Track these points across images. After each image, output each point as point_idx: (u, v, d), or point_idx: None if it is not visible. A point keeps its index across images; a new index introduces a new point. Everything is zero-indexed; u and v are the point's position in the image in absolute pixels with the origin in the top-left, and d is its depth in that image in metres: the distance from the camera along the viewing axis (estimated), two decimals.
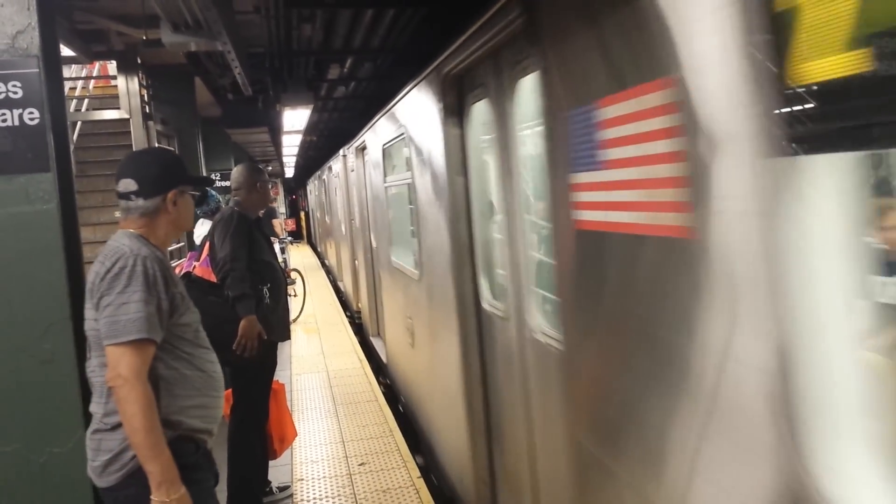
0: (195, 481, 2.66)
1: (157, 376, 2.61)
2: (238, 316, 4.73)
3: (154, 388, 2.55)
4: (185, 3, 4.31)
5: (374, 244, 9.27)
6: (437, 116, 4.41)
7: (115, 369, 2.48)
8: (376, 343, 9.70)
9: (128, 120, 8.03)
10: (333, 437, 6.44)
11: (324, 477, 5.59)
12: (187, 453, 2.68)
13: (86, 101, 11.19)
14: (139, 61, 7.98)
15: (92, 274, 2.62)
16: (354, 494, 5.23)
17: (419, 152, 5.22)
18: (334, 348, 10.14)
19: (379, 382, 8.20)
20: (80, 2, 6.34)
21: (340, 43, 7.78)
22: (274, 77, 9.13)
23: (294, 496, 5.26)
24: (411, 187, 5.58)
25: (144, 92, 8.10)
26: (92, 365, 2.66)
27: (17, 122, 3.02)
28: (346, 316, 11.92)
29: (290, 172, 33.39)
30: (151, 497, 2.49)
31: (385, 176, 7.09)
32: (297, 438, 6.09)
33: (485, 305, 4.20)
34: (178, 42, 5.04)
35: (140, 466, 2.51)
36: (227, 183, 7.66)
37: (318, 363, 9.31)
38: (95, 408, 2.65)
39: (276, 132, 15.28)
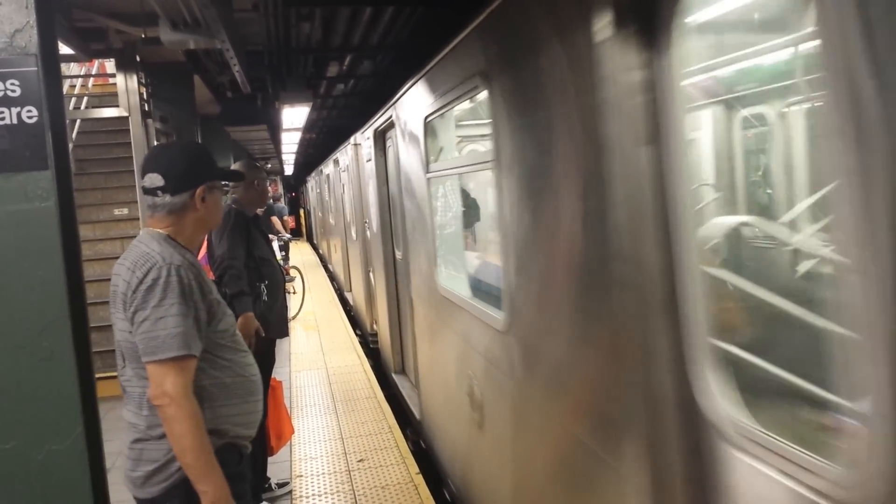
0: (238, 496, 2.60)
1: (200, 387, 2.53)
2: (236, 313, 4.70)
3: (197, 398, 2.48)
4: (184, 1, 4.31)
5: (398, 256, 7.58)
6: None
7: (160, 387, 2.40)
8: (400, 382, 7.86)
9: (127, 118, 8.03)
10: (332, 434, 6.46)
11: (323, 473, 5.61)
12: (232, 463, 2.65)
13: (85, 98, 11.19)
14: (138, 59, 7.98)
15: (120, 281, 2.54)
16: (353, 491, 5.25)
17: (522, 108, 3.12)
18: (334, 345, 10.16)
19: (406, 437, 6.54)
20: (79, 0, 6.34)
21: (339, 40, 7.77)
22: (273, 75, 9.12)
23: (293, 492, 5.28)
24: (499, 173, 3.42)
25: (143, 90, 8.11)
26: (127, 374, 2.61)
27: (15, 121, 3.02)
28: (357, 335, 11.07)
29: (289, 170, 33.37)
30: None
31: (427, 162, 5.28)
32: (295, 435, 6.11)
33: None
34: (176, 40, 5.05)
35: (184, 479, 2.45)
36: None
37: (317, 360, 9.33)
38: (134, 418, 2.59)
39: (275, 130, 15.27)
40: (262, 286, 5.05)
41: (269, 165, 30.07)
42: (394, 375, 8.18)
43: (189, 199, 2.65)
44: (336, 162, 13.84)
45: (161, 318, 2.42)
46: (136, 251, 2.58)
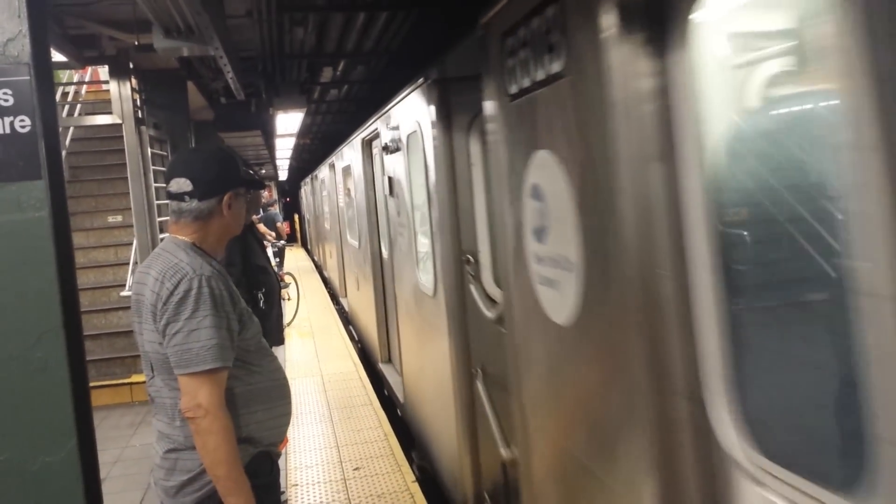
0: None
1: (234, 395, 2.52)
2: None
3: (231, 407, 2.48)
4: (177, 8, 4.29)
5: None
6: None
7: (194, 400, 2.38)
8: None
9: (120, 125, 8.01)
10: (328, 442, 6.43)
11: (318, 482, 5.58)
12: (264, 472, 2.65)
13: (78, 106, 11.17)
14: (131, 66, 7.96)
15: (147, 291, 2.50)
16: (349, 499, 5.22)
17: None
18: (328, 352, 10.13)
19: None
20: (71, 7, 6.32)
21: (333, 46, 7.76)
22: (266, 81, 9.11)
23: (289, 502, 5.25)
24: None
25: (137, 96, 8.08)
26: (156, 384, 2.58)
27: (8, 130, 3.00)
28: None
29: (283, 175, 33.34)
30: None
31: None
32: (290, 443, 6.08)
33: None
34: (170, 47, 5.03)
35: (216, 490, 2.45)
36: None
37: (312, 367, 9.29)
38: (167, 428, 2.56)
39: (269, 135, 15.25)
40: (260, 294, 5.03)
41: (264, 171, 30.04)
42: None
43: (216, 205, 2.62)
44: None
45: (194, 331, 2.39)
46: (163, 260, 2.53)
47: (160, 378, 2.55)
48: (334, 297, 15.26)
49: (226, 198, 2.64)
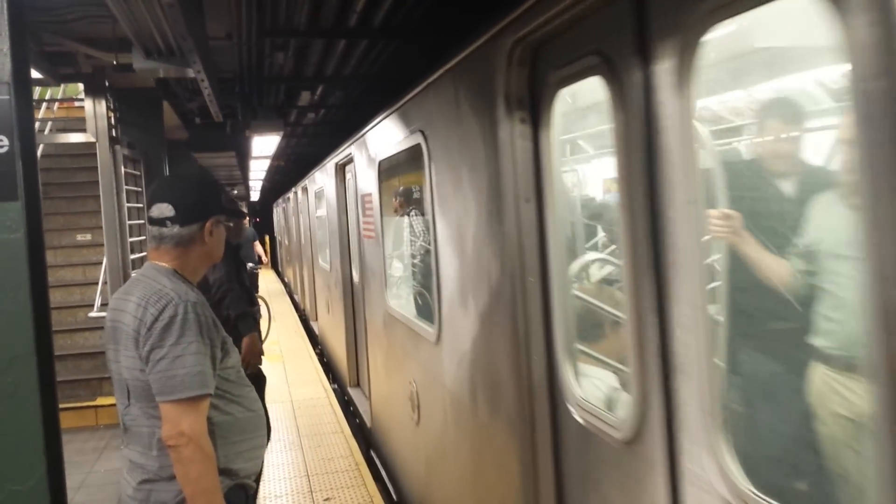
0: None
1: (213, 425, 2.48)
2: (241, 334, 5.01)
3: (210, 437, 2.44)
4: (159, 30, 4.26)
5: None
6: None
7: (177, 427, 2.34)
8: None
9: (92, 143, 7.91)
10: (298, 471, 6.34)
11: None
12: None
13: (49, 123, 11.02)
14: (107, 84, 7.89)
15: (128, 318, 2.46)
16: None
17: None
18: (299, 377, 10.02)
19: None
20: (48, 24, 6.25)
21: (312, 71, 7.76)
22: (243, 103, 9.07)
23: None
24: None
25: (111, 115, 8.00)
26: (132, 413, 2.52)
27: None
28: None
29: (255, 196, 33.15)
30: None
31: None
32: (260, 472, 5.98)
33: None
34: (149, 68, 4.99)
35: None
36: None
37: (282, 392, 9.17)
38: (140, 458, 2.51)
39: (243, 157, 15.18)
40: (254, 311, 5.35)
41: (236, 192, 29.86)
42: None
43: (198, 232, 2.62)
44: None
45: (179, 357, 2.37)
46: (144, 286, 2.51)
47: (138, 406, 2.50)
48: (304, 321, 15.13)
49: (207, 224, 2.65)
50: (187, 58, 4.56)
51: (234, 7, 5.48)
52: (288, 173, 21.35)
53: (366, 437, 7.35)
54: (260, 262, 16.47)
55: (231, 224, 5.31)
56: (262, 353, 5.17)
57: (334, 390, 9.33)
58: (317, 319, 13.06)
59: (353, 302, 8.67)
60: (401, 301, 5.92)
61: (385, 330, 6.01)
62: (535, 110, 2.86)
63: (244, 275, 5.33)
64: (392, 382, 5.88)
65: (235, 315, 5.02)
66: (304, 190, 13.88)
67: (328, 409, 8.31)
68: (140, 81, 8.41)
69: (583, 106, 3.42)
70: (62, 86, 9.42)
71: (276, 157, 15.59)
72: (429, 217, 4.30)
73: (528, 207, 2.90)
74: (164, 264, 2.61)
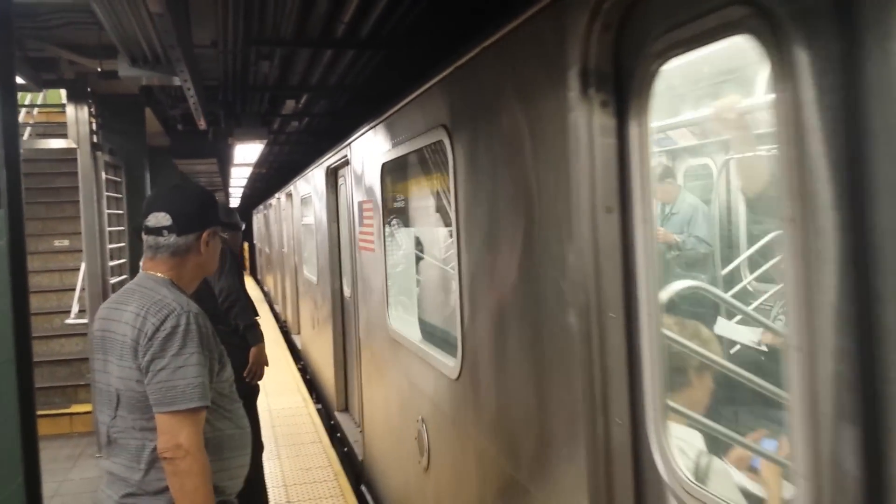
0: None
1: (205, 440, 2.45)
2: (247, 344, 5.11)
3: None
4: (146, 38, 4.25)
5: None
6: None
7: (175, 439, 2.33)
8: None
9: (73, 149, 7.85)
10: (275, 481, 6.30)
11: None
12: None
13: (28, 128, 10.93)
14: (89, 90, 7.83)
15: (125, 328, 2.45)
16: None
17: None
18: (277, 386, 9.96)
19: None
20: (32, 30, 6.20)
21: (297, 80, 7.75)
22: (227, 110, 9.03)
23: None
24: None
25: (93, 121, 7.94)
26: (119, 425, 2.49)
27: None
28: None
29: (235, 202, 32.96)
30: None
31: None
32: None
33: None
34: (135, 76, 4.97)
35: None
36: None
37: (259, 401, 9.09)
38: (125, 471, 2.47)
39: (225, 164, 15.10)
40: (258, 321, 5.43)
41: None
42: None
43: (195, 242, 2.63)
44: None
45: (180, 368, 2.36)
46: (142, 296, 2.50)
47: (130, 418, 2.46)
48: (284, 332, 15.03)
49: (204, 235, 2.66)
50: (174, 66, 4.55)
51: (221, 15, 5.47)
52: (269, 180, 21.26)
53: (356, 471, 6.78)
54: None
55: (227, 236, 5.40)
56: (268, 364, 5.30)
57: (318, 411, 8.95)
58: (300, 333, 12.44)
59: (342, 318, 8.07)
60: (407, 324, 5.08)
61: (385, 354, 5.38)
62: (621, 92, 2.20)
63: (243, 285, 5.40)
64: (392, 415, 5.25)
65: (244, 325, 5.06)
66: (289, 196, 13.43)
67: (307, 419, 8.27)
68: (123, 88, 8.35)
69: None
70: (43, 91, 9.34)
71: (259, 164, 15.54)
72: (452, 229, 3.60)
73: (610, 220, 2.21)
74: (160, 274, 2.60)
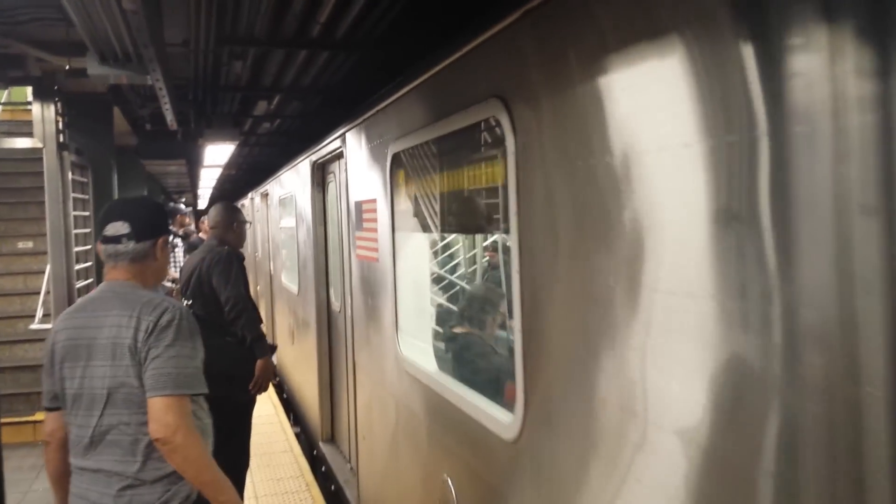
0: None
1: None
2: (253, 355, 5.01)
3: None
4: (117, 36, 4.12)
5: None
6: None
7: (164, 420, 2.52)
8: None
9: (38, 148, 7.64)
10: (245, 493, 6.16)
11: None
12: None
13: None
14: (56, 89, 7.63)
15: (118, 330, 2.61)
16: None
17: None
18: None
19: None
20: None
21: (270, 80, 7.62)
22: (197, 111, 8.87)
23: None
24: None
25: (60, 120, 7.74)
26: (108, 423, 2.63)
27: None
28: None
29: (204, 204, 32.56)
30: None
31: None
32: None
33: None
34: (104, 74, 4.83)
35: None
36: None
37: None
38: (118, 466, 2.63)
39: (194, 165, 14.87)
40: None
41: (184, 199, 29.38)
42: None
43: (151, 248, 2.82)
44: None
45: (173, 357, 2.59)
46: (124, 300, 2.68)
47: (125, 414, 2.62)
48: None
49: (159, 241, 2.86)
50: (146, 65, 4.41)
51: (193, 13, 5.34)
52: (238, 181, 21.02)
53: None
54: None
55: (231, 237, 5.44)
56: (276, 377, 5.28)
57: (297, 435, 8.28)
58: (275, 345, 11.31)
59: (329, 335, 7.13)
60: (427, 355, 4.17)
61: (393, 388, 4.52)
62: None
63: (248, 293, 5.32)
64: (402, 463, 4.44)
65: (252, 337, 4.99)
66: (265, 196, 12.62)
67: (277, 428, 8.14)
68: (91, 86, 8.17)
69: None
70: (8, 89, 9.11)
71: (229, 165, 15.33)
72: (510, 237, 2.77)
73: (869, 225, 1.31)
74: (127, 280, 2.78)
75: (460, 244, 5.88)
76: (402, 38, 5.59)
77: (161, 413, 2.53)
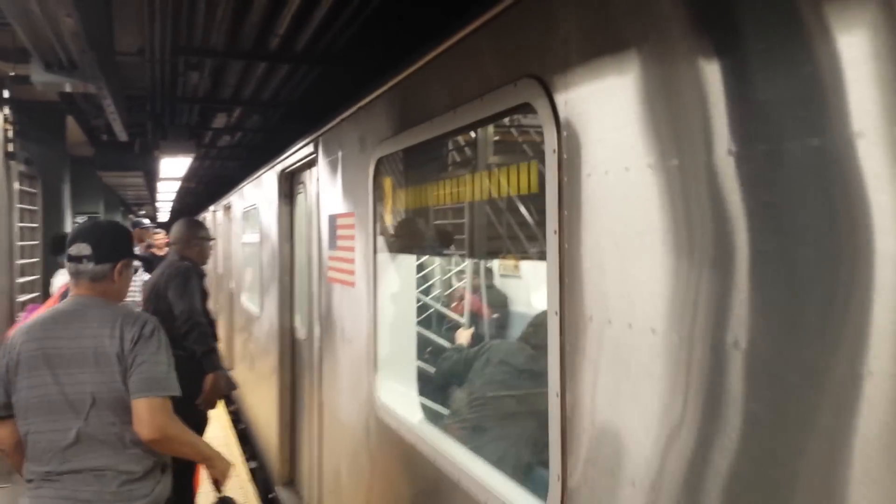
0: None
1: None
2: (203, 370, 4.92)
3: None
4: (60, 42, 3.94)
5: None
6: None
7: (154, 421, 2.77)
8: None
9: None
10: None
11: None
12: None
13: None
14: (5, 95, 7.38)
15: (103, 340, 2.82)
16: None
17: None
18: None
19: None
20: None
21: (229, 93, 7.46)
22: (154, 122, 8.66)
23: None
24: None
25: (8, 129, 7.47)
26: (94, 423, 2.81)
27: None
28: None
29: (164, 217, 32.09)
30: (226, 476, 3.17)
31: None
32: None
33: None
34: (49, 81, 4.64)
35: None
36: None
37: None
38: (109, 460, 2.82)
39: (151, 177, 14.58)
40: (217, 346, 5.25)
41: (144, 211, 28.92)
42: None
43: (109, 270, 2.99)
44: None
45: (157, 364, 2.85)
46: (102, 312, 2.90)
47: (110, 415, 2.81)
48: None
49: (118, 266, 3.02)
50: (89, 74, 4.24)
51: (147, 22, 5.17)
52: (199, 195, 20.72)
53: None
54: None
55: (194, 254, 5.37)
56: (227, 393, 5.31)
57: (253, 471, 7.53)
58: (232, 368, 9.98)
59: (293, 365, 6.35)
60: (412, 405, 3.50)
61: (369, 441, 3.74)
62: None
63: (206, 307, 5.28)
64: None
65: (201, 352, 4.92)
66: (227, 209, 11.73)
67: (225, 451, 7.89)
68: (41, 94, 7.92)
69: None
70: None
71: (188, 178, 15.06)
72: (548, 268, 2.01)
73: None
74: (94, 296, 2.97)
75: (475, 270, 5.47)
76: (364, 54, 5.48)
77: (149, 415, 2.77)
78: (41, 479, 2.82)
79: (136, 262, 4.00)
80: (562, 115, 1.97)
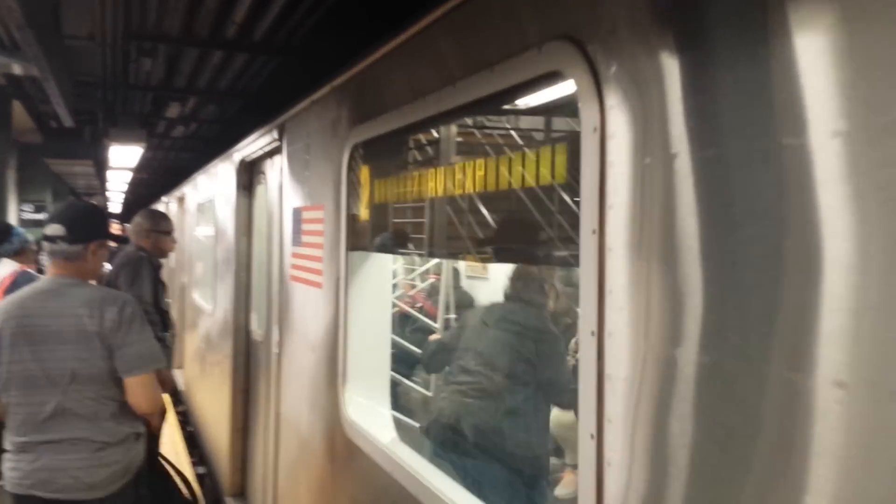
0: None
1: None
2: None
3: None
4: (2, 22, 3.72)
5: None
6: None
7: (148, 394, 3.07)
8: None
9: None
10: None
11: None
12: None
13: None
14: None
15: (82, 319, 2.95)
16: None
17: None
18: None
19: None
20: None
21: (184, 81, 7.23)
22: (105, 109, 8.37)
23: None
24: None
25: None
26: (74, 397, 2.97)
27: None
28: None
29: (117, 208, 31.40)
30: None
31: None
32: None
33: None
34: None
35: (138, 475, 3.16)
36: (40, 216, 6.87)
37: None
38: (85, 432, 2.99)
39: (101, 166, 14.18)
40: (168, 336, 5.18)
41: (94, 202, 28.23)
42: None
43: (82, 250, 3.09)
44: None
45: (144, 340, 3.06)
46: (79, 293, 3.03)
47: (90, 390, 2.98)
48: None
49: (91, 246, 3.13)
50: (28, 54, 4.01)
51: (99, 4, 4.95)
52: (153, 186, 20.26)
53: None
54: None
55: (147, 245, 5.28)
56: (169, 388, 5.22)
57: (201, 477, 7.01)
58: (182, 367, 9.61)
59: (247, 368, 5.88)
60: (383, 421, 3.14)
61: (334, 461, 3.40)
62: None
63: (162, 297, 5.25)
64: None
65: None
66: (181, 200, 11.11)
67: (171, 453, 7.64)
68: None
69: None
70: None
71: (141, 168, 14.67)
72: (582, 272, 1.58)
73: None
74: (69, 276, 3.08)
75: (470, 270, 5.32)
76: (323, 43, 5.32)
77: (144, 389, 3.03)
78: (19, 450, 3.01)
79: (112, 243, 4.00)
80: (605, 84, 1.54)
